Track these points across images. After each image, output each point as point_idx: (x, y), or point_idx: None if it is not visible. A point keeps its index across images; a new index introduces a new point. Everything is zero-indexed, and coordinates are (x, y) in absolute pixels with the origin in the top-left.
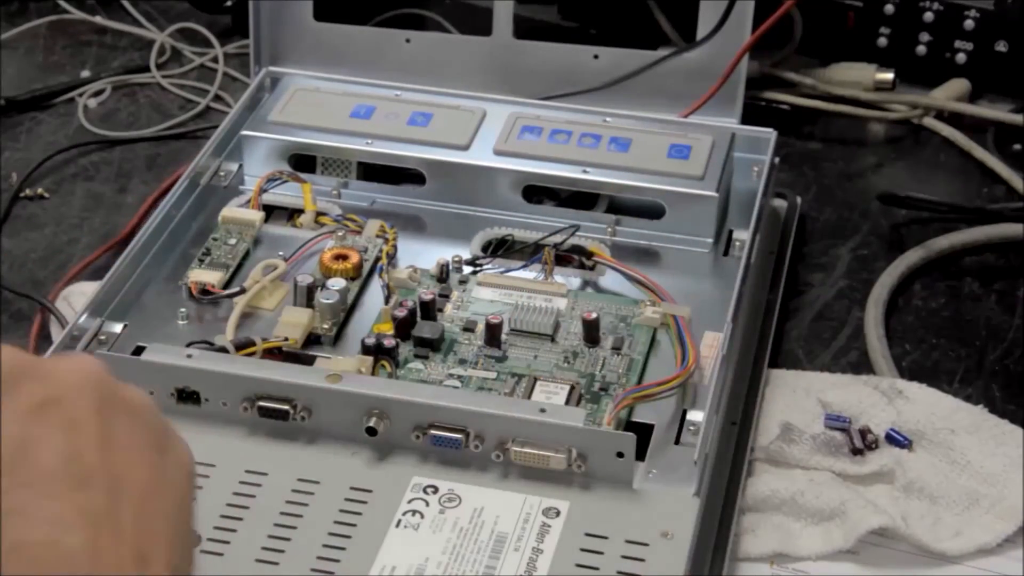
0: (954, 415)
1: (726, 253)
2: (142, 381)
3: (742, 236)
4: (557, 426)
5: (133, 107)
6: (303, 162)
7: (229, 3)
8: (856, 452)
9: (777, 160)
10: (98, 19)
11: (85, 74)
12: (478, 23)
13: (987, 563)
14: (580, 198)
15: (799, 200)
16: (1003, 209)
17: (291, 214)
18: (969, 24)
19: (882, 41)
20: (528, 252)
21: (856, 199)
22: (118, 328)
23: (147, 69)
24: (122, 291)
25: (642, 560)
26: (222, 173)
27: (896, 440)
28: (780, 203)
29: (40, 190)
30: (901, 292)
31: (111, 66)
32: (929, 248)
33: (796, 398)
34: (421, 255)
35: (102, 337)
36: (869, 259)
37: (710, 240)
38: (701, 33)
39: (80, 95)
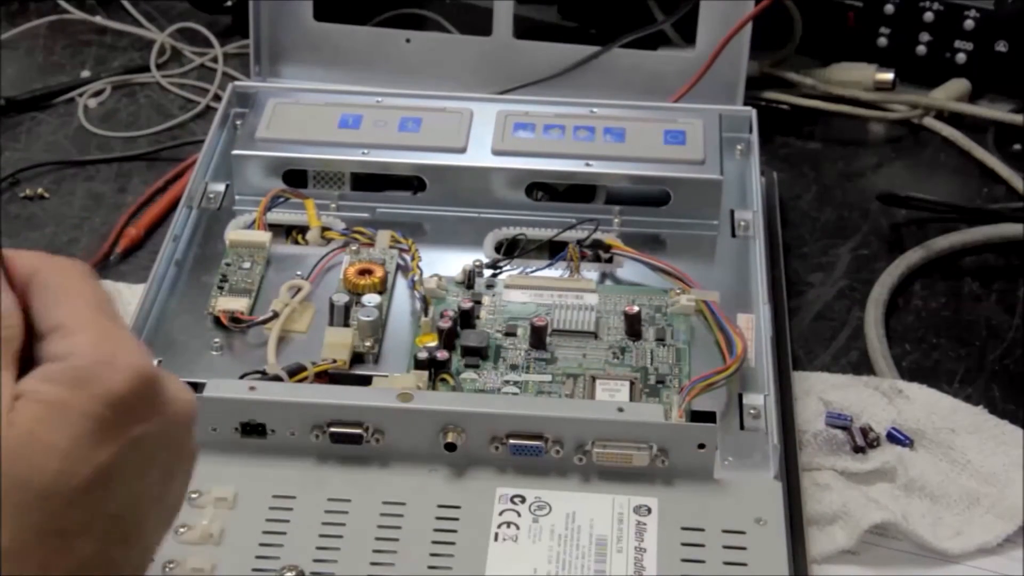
0: (954, 415)
1: (733, 234)
2: (205, 418)
3: (744, 215)
4: (638, 424)
5: (133, 107)
6: (293, 177)
7: (229, 3)
8: (858, 450)
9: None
10: (98, 19)
11: (85, 74)
12: (478, 23)
13: (987, 563)
14: (577, 191)
15: (776, 175)
16: (1003, 209)
17: (288, 231)
18: (969, 24)
19: (882, 41)
20: (543, 249)
21: (856, 199)
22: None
23: (147, 69)
24: (145, 327)
25: (743, 548)
26: (211, 195)
27: (897, 439)
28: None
29: (40, 190)
30: (901, 292)
31: (111, 66)
32: (929, 248)
33: (796, 399)
34: (436, 262)
35: None
36: (869, 259)
37: (716, 222)
38: (701, 33)
39: (80, 95)
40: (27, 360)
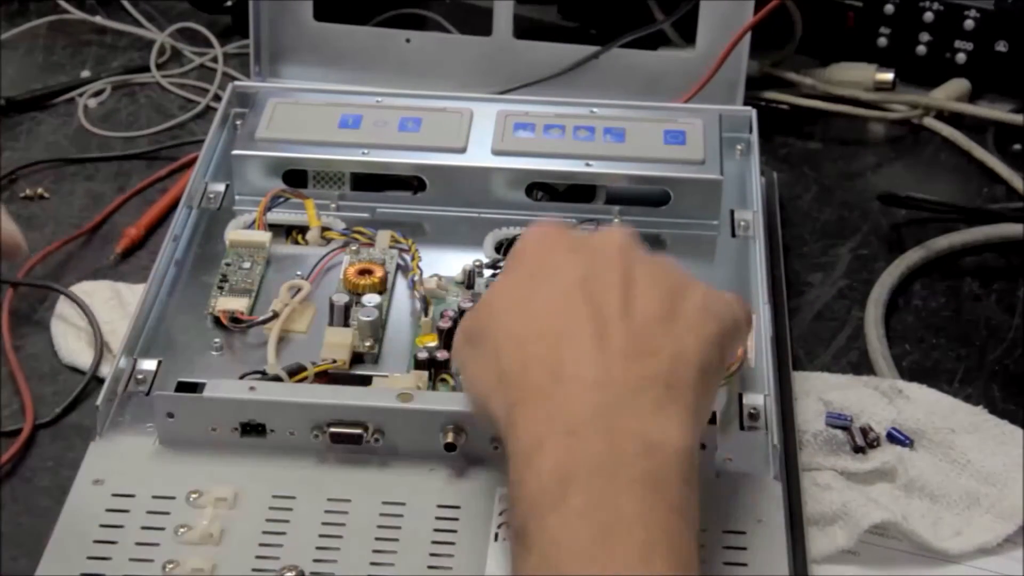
0: (954, 415)
1: (733, 234)
2: (205, 418)
3: (744, 215)
4: None
5: (133, 107)
6: (293, 177)
7: (229, 3)
8: (858, 450)
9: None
10: (98, 19)
11: (85, 74)
12: (478, 23)
13: (987, 563)
14: (577, 191)
15: (776, 175)
16: (1003, 209)
17: (288, 231)
18: (969, 24)
19: (882, 41)
20: None
21: (856, 199)
22: (152, 365)
23: (147, 69)
24: (145, 327)
25: (744, 548)
26: (211, 195)
27: (897, 439)
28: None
29: (40, 190)
30: (901, 292)
31: (111, 66)
32: (929, 248)
33: (796, 399)
34: (436, 262)
35: (139, 376)
36: (869, 259)
37: (716, 222)
38: (701, 33)
39: (80, 95)
40: None
